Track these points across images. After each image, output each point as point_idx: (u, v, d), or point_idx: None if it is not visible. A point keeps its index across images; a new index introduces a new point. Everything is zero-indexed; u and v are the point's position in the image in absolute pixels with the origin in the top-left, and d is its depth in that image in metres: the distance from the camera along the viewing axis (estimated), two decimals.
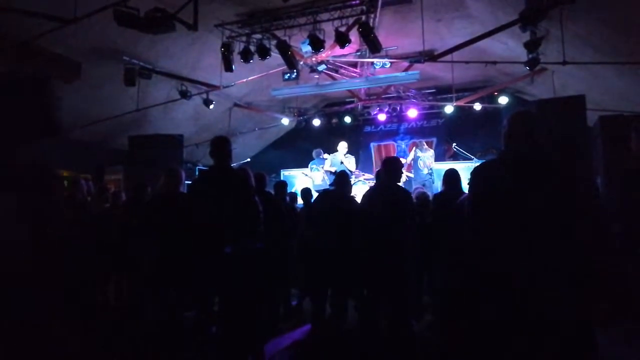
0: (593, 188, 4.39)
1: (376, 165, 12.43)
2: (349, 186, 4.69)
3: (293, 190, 8.88)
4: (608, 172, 6.14)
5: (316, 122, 12.94)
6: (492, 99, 11.15)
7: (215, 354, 3.82)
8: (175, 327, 4.28)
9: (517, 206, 2.22)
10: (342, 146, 9.36)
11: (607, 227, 4.08)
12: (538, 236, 2.18)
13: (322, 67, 9.12)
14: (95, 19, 5.78)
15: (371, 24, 7.34)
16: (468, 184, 2.63)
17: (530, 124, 2.42)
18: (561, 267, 2.15)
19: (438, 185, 8.06)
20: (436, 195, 4.97)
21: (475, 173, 2.54)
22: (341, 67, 10.01)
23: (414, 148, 9.72)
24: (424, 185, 8.45)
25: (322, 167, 9.61)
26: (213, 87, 9.35)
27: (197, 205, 3.75)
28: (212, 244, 3.61)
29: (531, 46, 6.88)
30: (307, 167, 10.15)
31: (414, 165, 9.51)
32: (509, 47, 8.07)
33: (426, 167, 9.17)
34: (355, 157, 9.84)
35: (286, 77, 9.65)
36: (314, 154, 10.00)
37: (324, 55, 8.56)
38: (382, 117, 12.51)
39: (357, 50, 9.20)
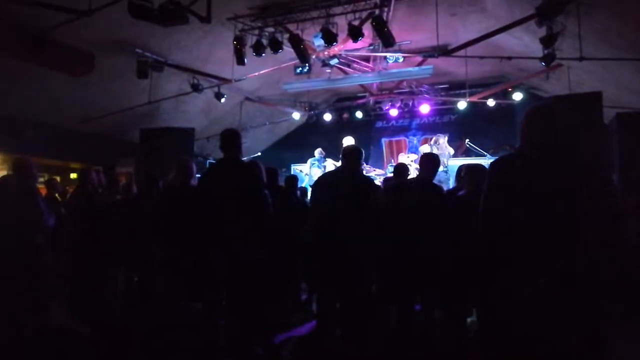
0: (611, 186, 4.31)
1: (387, 161, 12.37)
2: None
3: (303, 185, 8.89)
4: (625, 170, 6.05)
5: (327, 116, 12.87)
6: (506, 95, 10.99)
7: (224, 346, 3.81)
8: (183, 319, 4.30)
9: (539, 200, 2.19)
10: (348, 141, 9.31)
11: (624, 226, 4.01)
12: (560, 231, 2.15)
13: (334, 61, 9.07)
14: (109, 11, 5.78)
15: (385, 18, 7.27)
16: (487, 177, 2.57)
17: (550, 118, 2.40)
18: (582, 262, 2.12)
19: (452, 182, 8.00)
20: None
21: (494, 166, 2.51)
22: (353, 61, 9.95)
23: (432, 142, 9.63)
24: (439, 181, 8.41)
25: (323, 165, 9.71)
26: (225, 81, 9.35)
27: (206, 198, 3.75)
28: (221, 237, 3.61)
29: (547, 41, 6.75)
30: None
31: None
32: (524, 42, 7.96)
33: (441, 164, 9.11)
34: (366, 153, 9.80)
35: (298, 71, 9.60)
36: (316, 152, 10.05)
37: (336, 49, 8.51)
38: (393, 112, 12.37)
39: (370, 45, 9.14)
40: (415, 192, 4.03)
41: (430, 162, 4.21)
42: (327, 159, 10.14)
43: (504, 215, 2.32)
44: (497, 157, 2.66)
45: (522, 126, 2.46)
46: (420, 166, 4.30)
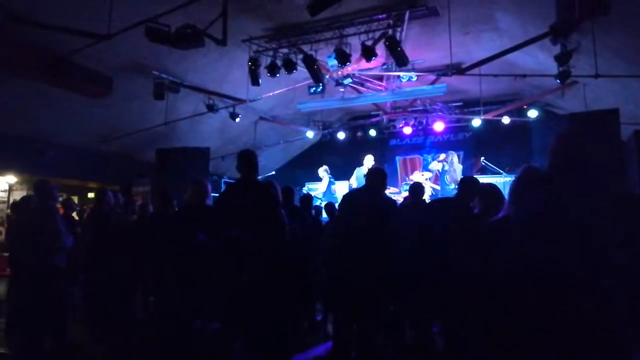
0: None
1: (401, 179, 12.33)
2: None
3: (317, 204, 8.90)
4: None
5: (341, 135, 12.96)
6: (521, 112, 10.94)
7: None
8: (199, 339, 4.28)
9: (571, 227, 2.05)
10: (369, 160, 9.36)
11: None
12: (591, 261, 2.00)
13: (347, 81, 9.12)
14: (127, 35, 5.91)
15: (398, 38, 7.33)
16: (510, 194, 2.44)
17: (578, 144, 2.24)
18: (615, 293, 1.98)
19: None
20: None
21: (519, 188, 2.37)
22: (367, 80, 9.99)
23: (443, 160, 9.57)
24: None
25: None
26: (239, 101, 9.47)
27: (224, 218, 3.77)
28: (238, 256, 3.62)
29: (562, 59, 6.74)
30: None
31: (440, 179, 9.40)
32: (539, 60, 7.94)
33: (453, 181, 9.05)
34: None
35: (312, 90, 9.70)
36: (323, 170, 10.07)
37: (349, 68, 8.58)
38: (407, 130, 12.37)
39: (383, 64, 9.18)
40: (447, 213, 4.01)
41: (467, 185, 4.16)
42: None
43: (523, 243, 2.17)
44: (520, 179, 2.52)
45: (555, 150, 2.29)
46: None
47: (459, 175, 9.23)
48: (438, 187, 9.67)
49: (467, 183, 4.18)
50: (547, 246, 2.11)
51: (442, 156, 9.65)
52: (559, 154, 2.29)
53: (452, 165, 9.44)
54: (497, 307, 2.26)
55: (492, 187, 4.04)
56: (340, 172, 10.51)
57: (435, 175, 10.12)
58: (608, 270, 1.99)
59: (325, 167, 10.27)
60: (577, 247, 2.03)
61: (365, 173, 4.35)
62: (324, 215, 6.85)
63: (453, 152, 10.07)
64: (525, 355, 2.10)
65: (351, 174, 10.13)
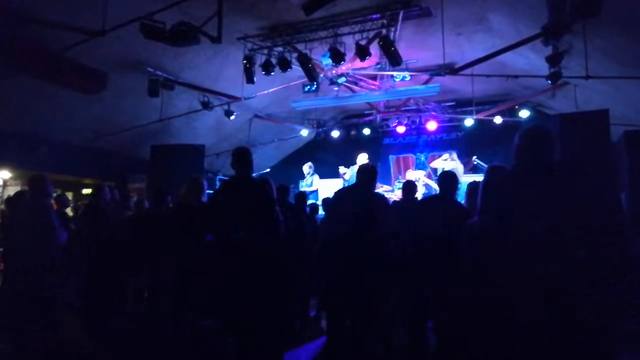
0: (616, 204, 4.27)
1: (395, 177, 12.42)
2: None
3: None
4: (633, 187, 6.04)
5: (335, 133, 13.02)
6: (512, 112, 11.05)
7: None
8: (192, 335, 4.32)
9: (538, 226, 2.07)
10: (362, 158, 9.41)
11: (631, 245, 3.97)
12: (565, 260, 2.01)
13: (342, 80, 9.17)
14: (121, 32, 5.92)
15: (392, 38, 7.38)
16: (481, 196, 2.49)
17: (544, 139, 2.30)
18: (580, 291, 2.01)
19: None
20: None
21: (488, 187, 2.45)
22: (361, 79, 10.05)
23: (447, 158, 9.61)
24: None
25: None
26: (234, 99, 9.48)
27: (219, 214, 3.80)
28: (233, 254, 3.66)
29: (553, 60, 6.83)
30: (324, 178, 10.19)
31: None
32: (530, 60, 8.02)
33: None
34: None
35: (306, 89, 9.74)
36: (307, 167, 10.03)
37: (344, 67, 8.62)
38: (401, 129, 12.48)
39: (377, 63, 9.23)
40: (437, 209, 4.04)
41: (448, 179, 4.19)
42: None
43: (496, 241, 2.21)
44: (487, 179, 2.54)
45: (519, 146, 2.33)
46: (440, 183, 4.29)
47: (461, 174, 9.30)
48: (437, 186, 9.71)
49: (443, 178, 4.24)
50: (501, 245, 2.17)
51: (446, 155, 9.71)
52: (520, 154, 2.34)
53: (456, 164, 9.52)
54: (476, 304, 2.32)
55: (475, 183, 4.11)
56: (334, 170, 10.53)
57: (428, 174, 10.19)
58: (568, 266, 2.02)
59: (309, 163, 10.18)
60: (532, 244, 2.07)
61: (356, 170, 4.33)
62: (321, 212, 6.89)
63: (452, 151, 10.17)
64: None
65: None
